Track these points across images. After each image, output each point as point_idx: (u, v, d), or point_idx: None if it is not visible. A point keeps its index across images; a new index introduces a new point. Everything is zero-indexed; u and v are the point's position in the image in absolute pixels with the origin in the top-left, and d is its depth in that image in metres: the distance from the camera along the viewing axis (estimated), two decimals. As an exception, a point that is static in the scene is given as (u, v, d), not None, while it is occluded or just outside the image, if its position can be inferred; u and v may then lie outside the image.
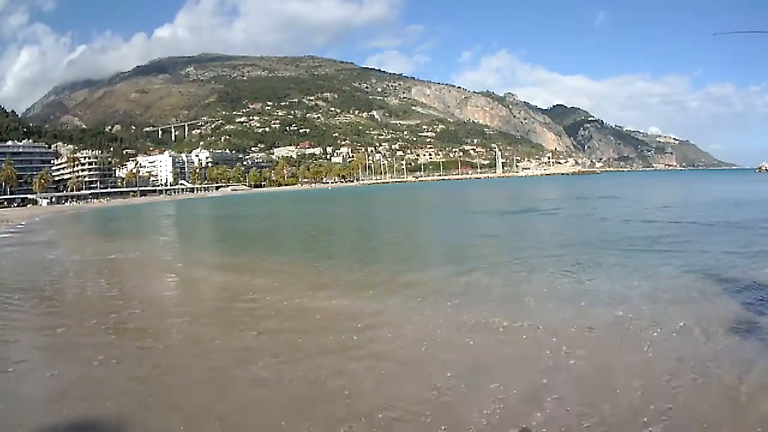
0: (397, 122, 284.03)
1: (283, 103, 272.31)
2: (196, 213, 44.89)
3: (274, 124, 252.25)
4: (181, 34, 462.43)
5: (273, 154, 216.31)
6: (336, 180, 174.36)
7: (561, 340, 5.28)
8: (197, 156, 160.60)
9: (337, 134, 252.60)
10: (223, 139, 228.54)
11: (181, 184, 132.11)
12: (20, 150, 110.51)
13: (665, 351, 4.92)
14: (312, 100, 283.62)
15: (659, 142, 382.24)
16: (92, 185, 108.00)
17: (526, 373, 4.50)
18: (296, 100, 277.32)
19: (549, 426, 3.59)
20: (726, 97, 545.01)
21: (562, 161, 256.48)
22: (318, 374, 4.70)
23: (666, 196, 36.22)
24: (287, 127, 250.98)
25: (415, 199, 50.79)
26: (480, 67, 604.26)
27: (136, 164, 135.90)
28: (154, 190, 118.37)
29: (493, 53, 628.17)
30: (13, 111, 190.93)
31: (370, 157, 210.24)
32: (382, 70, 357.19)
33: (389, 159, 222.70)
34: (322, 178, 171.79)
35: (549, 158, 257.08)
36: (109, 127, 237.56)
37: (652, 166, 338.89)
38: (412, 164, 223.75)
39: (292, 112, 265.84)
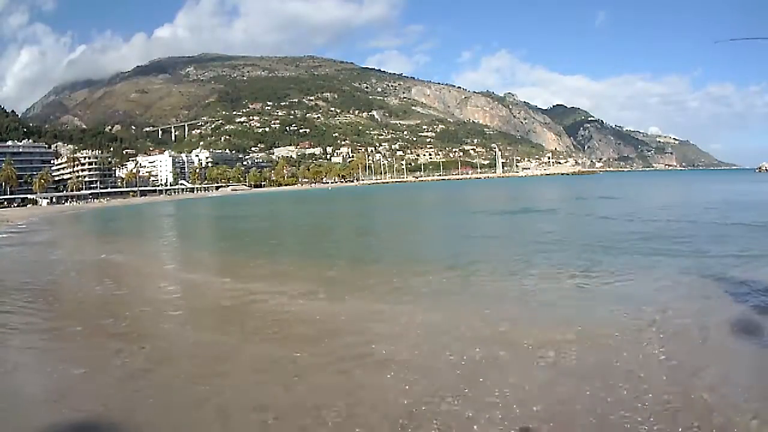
0: (397, 122, 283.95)
1: (283, 103, 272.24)
2: (197, 213, 44.88)
3: (274, 124, 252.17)
4: (181, 34, 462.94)
5: (273, 154, 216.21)
6: (336, 180, 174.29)
7: (559, 342, 5.28)
8: (197, 156, 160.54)
9: (337, 134, 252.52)
10: (223, 139, 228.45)
11: (181, 184, 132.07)
12: (20, 150, 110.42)
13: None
14: (312, 100, 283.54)
15: (659, 142, 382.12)
16: (92, 185, 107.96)
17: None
18: (296, 100, 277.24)
19: (550, 424, 3.63)
20: (726, 97, 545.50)
21: (562, 161, 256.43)
22: (320, 378, 4.70)
23: (666, 197, 36.23)
24: (287, 127, 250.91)
25: (415, 199, 50.79)
26: (480, 67, 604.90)
27: (136, 164, 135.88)
28: (154, 190, 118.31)
29: (493, 53, 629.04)
30: (13, 111, 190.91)
31: (370, 157, 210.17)
32: (382, 70, 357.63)
33: (389, 159, 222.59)
34: (322, 178, 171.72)
35: (549, 158, 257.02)
36: (109, 127, 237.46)
37: (652, 166, 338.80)
38: (412, 164, 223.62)
39: (292, 112, 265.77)
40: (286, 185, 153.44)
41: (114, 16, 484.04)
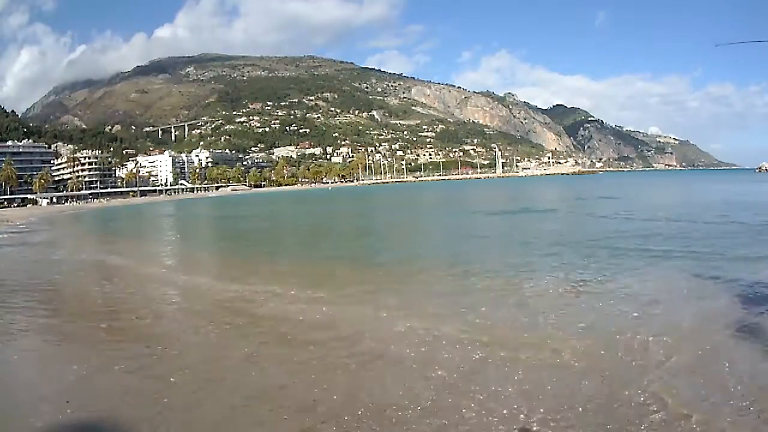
0: (397, 122, 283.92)
1: (283, 103, 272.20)
2: (197, 213, 44.89)
3: (274, 124, 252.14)
4: (181, 34, 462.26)
5: (273, 154, 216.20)
6: (336, 180, 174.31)
7: (554, 343, 5.29)
8: (197, 156, 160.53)
9: (337, 134, 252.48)
10: (223, 139, 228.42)
11: (181, 184, 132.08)
12: (20, 150, 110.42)
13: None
14: (312, 100, 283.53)
15: (659, 142, 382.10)
16: (92, 185, 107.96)
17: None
18: (296, 100, 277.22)
19: (550, 423, 3.64)
20: (726, 97, 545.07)
21: (562, 161, 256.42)
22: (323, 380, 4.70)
23: (666, 197, 36.22)
24: (287, 127, 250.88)
25: (415, 199, 50.80)
26: (480, 67, 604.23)
27: (136, 164, 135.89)
28: (154, 190, 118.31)
29: (493, 53, 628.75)
30: (13, 111, 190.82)
31: (370, 157, 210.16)
32: (382, 70, 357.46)
33: (389, 159, 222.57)
34: (322, 178, 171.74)
35: (549, 158, 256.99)
36: (109, 127, 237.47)
37: (652, 166, 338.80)
38: (412, 164, 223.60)
39: (292, 112, 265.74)
40: (286, 185, 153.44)
41: (114, 16, 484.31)
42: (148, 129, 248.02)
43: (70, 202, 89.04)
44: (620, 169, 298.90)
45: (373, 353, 5.21)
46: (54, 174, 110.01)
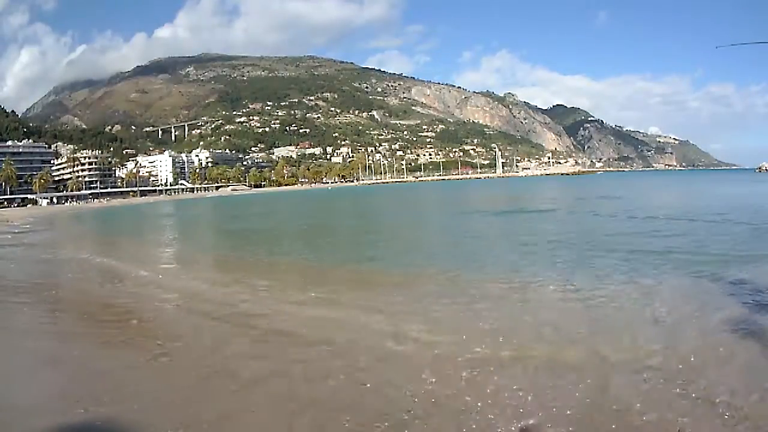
0: (397, 122, 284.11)
1: (283, 103, 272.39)
2: (196, 213, 44.90)
3: (274, 124, 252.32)
4: (181, 34, 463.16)
5: (273, 154, 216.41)
6: (336, 180, 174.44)
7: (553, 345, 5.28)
8: (197, 156, 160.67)
9: (337, 134, 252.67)
10: (223, 139, 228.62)
11: (181, 184, 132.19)
12: (20, 150, 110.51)
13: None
14: (312, 100, 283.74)
15: (659, 142, 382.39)
16: (92, 185, 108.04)
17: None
18: (296, 100, 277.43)
19: (552, 422, 3.63)
20: (726, 97, 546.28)
21: (562, 161, 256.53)
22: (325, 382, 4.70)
23: (666, 198, 36.22)
24: (287, 127, 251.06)
25: (415, 200, 50.80)
26: (480, 67, 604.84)
27: (136, 164, 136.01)
28: (154, 190, 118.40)
29: (493, 53, 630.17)
30: (13, 111, 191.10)
31: (370, 157, 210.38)
32: (382, 70, 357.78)
33: (389, 159, 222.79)
34: (322, 178, 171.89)
35: (549, 158, 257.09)
36: (109, 127, 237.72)
37: (652, 166, 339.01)
38: (412, 164, 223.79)
39: (292, 112, 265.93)
40: (286, 185, 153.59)
41: (114, 16, 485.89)
42: (148, 129, 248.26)
43: (70, 202, 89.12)
44: (620, 169, 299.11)
45: (374, 356, 5.21)
46: (54, 174, 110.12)
